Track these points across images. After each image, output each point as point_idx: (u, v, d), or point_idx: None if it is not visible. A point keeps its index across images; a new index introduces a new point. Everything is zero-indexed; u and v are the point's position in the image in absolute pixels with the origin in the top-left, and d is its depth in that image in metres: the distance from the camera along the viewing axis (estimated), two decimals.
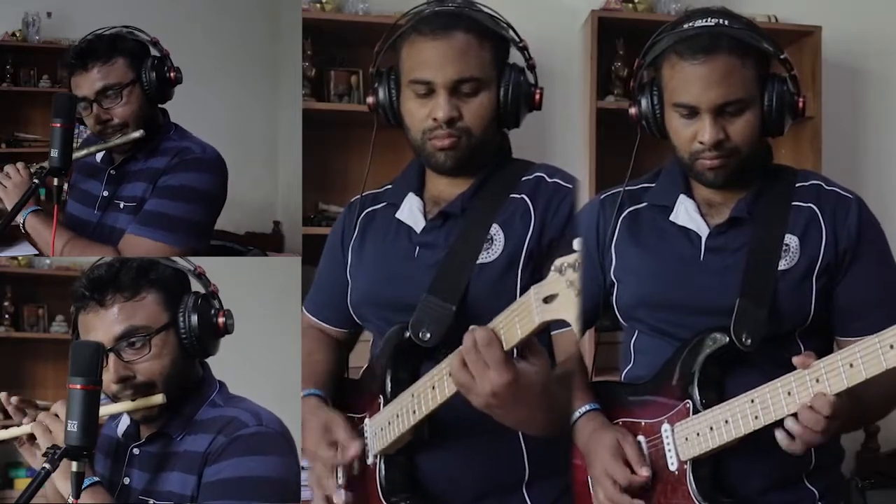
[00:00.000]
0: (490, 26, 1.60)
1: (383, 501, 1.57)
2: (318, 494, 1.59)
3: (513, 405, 1.38)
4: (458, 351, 1.39)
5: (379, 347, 1.63)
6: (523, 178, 1.64)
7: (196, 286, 1.68)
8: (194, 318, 1.61)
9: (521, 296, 1.37)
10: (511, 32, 1.63)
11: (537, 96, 1.63)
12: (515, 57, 1.65)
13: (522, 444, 1.58)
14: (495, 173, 1.64)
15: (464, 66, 1.56)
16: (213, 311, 1.64)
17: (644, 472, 1.55)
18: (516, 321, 1.35)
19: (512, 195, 1.61)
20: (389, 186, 1.75)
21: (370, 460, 1.61)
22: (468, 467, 1.58)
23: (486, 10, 1.62)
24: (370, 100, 1.67)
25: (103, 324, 1.58)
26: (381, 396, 1.60)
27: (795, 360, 1.43)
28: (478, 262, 1.56)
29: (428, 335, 1.53)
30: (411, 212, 1.65)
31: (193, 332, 1.61)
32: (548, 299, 1.30)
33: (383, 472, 1.58)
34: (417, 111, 1.59)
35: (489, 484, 1.58)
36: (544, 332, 1.52)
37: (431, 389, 1.47)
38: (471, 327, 1.38)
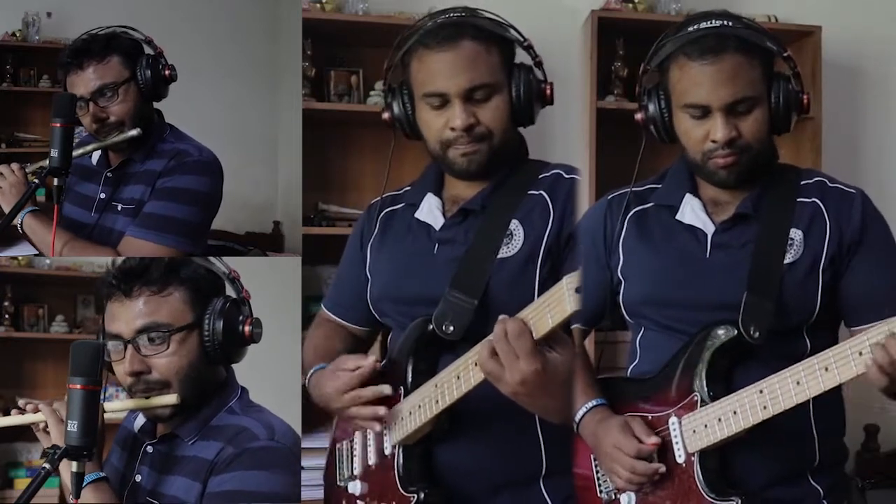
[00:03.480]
0: (494, 31, 1.62)
1: (401, 491, 1.58)
2: (363, 413, 1.61)
3: (539, 393, 1.43)
4: (488, 340, 1.43)
5: (400, 340, 1.65)
6: (541, 176, 1.66)
7: (229, 291, 1.67)
8: (219, 323, 1.59)
9: (539, 289, 1.47)
10: (515, 33, 1.65)
11: (548, 91, 1.66)
12: (521, 56, 1.67)
13: (541, 438, 1.60)
14: (514, 172, 1.67)
15: (474, 73, 1.59)
16: (240, 318, 1.62)
17: (652, 440, 1.57)
18: (547, 311, 1.39)
19: (530, 192, 1.64)
20: (408, 188, 1.78)
21: (388, 451, 1.63)
22: (486, 460, 1.60)
23: (487, 15, 1.64)
24: (386, 115, 1.71)
25: (127, 314, 1.58)
26: (401, 388, 1.62)
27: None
28: (500, 256, 1.60)
29: (451, 328, 1.56)
30: (430, 211, 1.69)
31: (216, 337, 1.59)
32: (579, 289, 1.36)
33: (401, 461, 1.60)
34: (434, 122, 1.62)
35: (507, 476, 1.61)
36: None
37: (456, 379, 1.51)
38: (500, 317, 1.43)
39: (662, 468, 1.56)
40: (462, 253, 1.62)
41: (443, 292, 1.58)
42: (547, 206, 1.63)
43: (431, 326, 1.58)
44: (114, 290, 1.59)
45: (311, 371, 1.70)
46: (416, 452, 1.61)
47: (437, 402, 1.53)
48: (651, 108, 1.66)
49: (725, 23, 1.59)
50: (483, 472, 1.60)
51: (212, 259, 1.69)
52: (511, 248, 1.61)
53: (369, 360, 1.60)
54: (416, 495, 1.57)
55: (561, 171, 1.67)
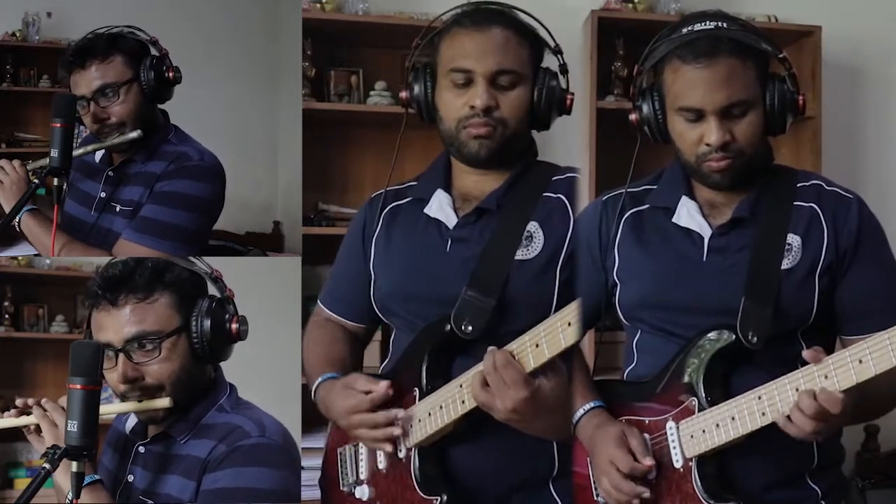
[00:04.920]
0: (527, 26, 1.64)
1: (421, 494, 1.57)
2: (374, 435, 1.59)
3: (531, 418, 1.47)
4: (479, 371, 1.47)
5: (412, 339, 1.64)
6: (554, 178, 1.67)
7: (212, 290, 1.67)
8: (207, 323, 1.60)
9: (558, 293, 1.51)
10: (547, 35, 1.67)
11: (568, 101, 1.67)
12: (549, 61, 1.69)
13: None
14: (526, 172, 1.67)
15: (503, 58, 1.60)
16: (226, 317, 1.63)
17: (647, 462, 1.56)
18: (544, 341, 1.45)
19: (546, 194, 1.65)
20: (413, 183, 1.77)
21: (402, 454, 1.61)
22: (501, 461, 1.59)
23: (524, 12, 1.66)
24: (404, 94, 1.70)
25: (115, 324, 1.58)
26: (415, 389, 1.61)
27: (806, 353, 1.44)
28: (518, 258, 1.60)
29: (470, 328, 1.56)
30: (441, 207, 1.68)
31: (205, 337, 1.60)
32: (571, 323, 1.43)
33: (417, 464, 1.59)
34: (454, 101, 1.62)
35: (520, 478, 1.61)
36: None
37: None
38: (490, 349, 1.47)
39: (646, 492, 1.56)
40: (477, 252, 1.61)
41: (456, 291, 1.58)
42: (567, 211, 1.64)
43: (449, 326, 1.57)
44: (99, 300, 1.59)
45: (319, 380, 1.68)
46: (432, 455, 1.59)
47: (462, 402, 1.52)
48: (645, 108, 1.65)
49: (720, 24, 1.58)
50: (497, 474, 1.60)
51: (193, 259, 1.68)
52: (531, 250, 1.61)
53: (382, 386, 1.58)
54: (438, 498, 1.56)
55: (576, 175, 1.68)
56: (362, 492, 1.65)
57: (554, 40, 1.68)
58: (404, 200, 1.74)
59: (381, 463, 1.64)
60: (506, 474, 1.60)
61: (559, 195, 1.65)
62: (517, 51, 1.62)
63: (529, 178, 1.66)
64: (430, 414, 1.57)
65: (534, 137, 1.72)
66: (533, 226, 1.62)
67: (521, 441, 1.56)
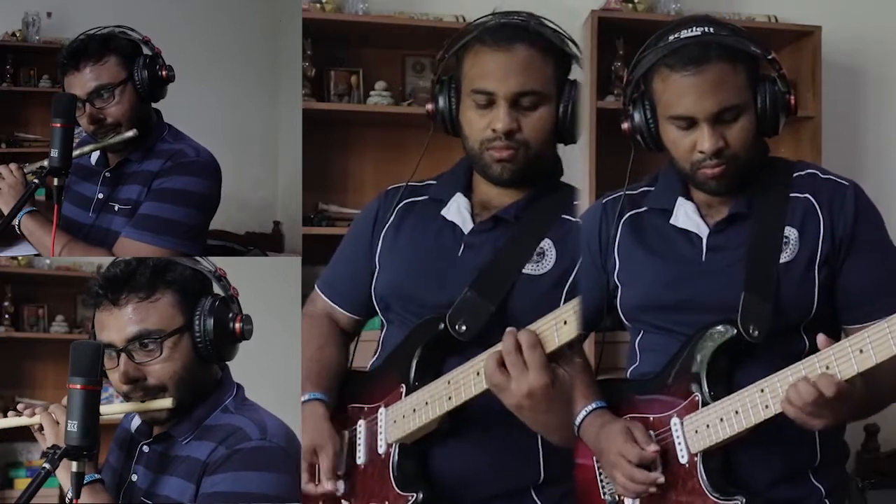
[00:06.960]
0: (554, 41, 1.61)
1: (397, 490, 1.57)
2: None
3: (544, 408, 1.45)
4: (497, 351, 1.44)
5: (406, 334, 1.63)
6: (576, 203, 1.66)
7: (216, 289, 1.65)
8: (210, 322, 1.58)
9: None
10: (574, 48, 1.64)
11: None
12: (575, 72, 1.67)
13: (540, 446, 1.59)
14: (548, 190, 1.66)
15: (526, 79, 1.58)
16: (230, 316, 1.61)
17: (652, 448, 1.56)
18: (555, 328, 1.43)
19: (565, 216, 1.64)
20: (433, 182, 1.75)
21: (383, 449, 1.61)
22: (483, 467, 1.58)
23: (550, 24, 1.63)
24: (429, 107, 1.68)
25: (116, 323, 1.57)
26: (402, 385, 1.60)
27: (819, 338, 1.43)
28: (526, 272, 1.59)
29: (464, 328, 1.55)
30: (459, 211, 1.66)
31: (208, 337, 1.58)
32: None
33: (397, 460, 1.58)
34: (477, 121, 1.61)
35: (504, 483, 1.59)
36: None
37: (476, 375, 1.49)
38: (509, 329, 1.44)
39: (661, 479, 1.56)
40: (489, 259, 1.60)
41: (459, 297, 1.57)
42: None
43: (443, 325, 1.57)
44: (101, 300, 1.58)
45: (306, 397, 1.67)
46: (413, 452, 1.59)
47: (449, 398, 1.52)
48: (637, 118, 1.64)
49: (707, 29, 1.57)
50: (478, 479, 1.59)
51: (197, 258, 1.67)
52: (541, 266, 1.60)
53: (329, 487, 1.57)
54: (414, 495, 1.55)
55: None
56: (339, 486, 1.64)
57: (580, 51, 1.65)
58: (420, 198, 1.73)
59: (361, 458, 1.63)
60: (487, 479, 1.59)
61: (578, 219, 1.64)
62: (541, 69, 1.59)
63: (551, 197, 1.65)
64: (414, 410, 1.56)
65: (560, 157, 1.69)
66: (547, 243, 1.61)
67: (505, 447, 1.56)
